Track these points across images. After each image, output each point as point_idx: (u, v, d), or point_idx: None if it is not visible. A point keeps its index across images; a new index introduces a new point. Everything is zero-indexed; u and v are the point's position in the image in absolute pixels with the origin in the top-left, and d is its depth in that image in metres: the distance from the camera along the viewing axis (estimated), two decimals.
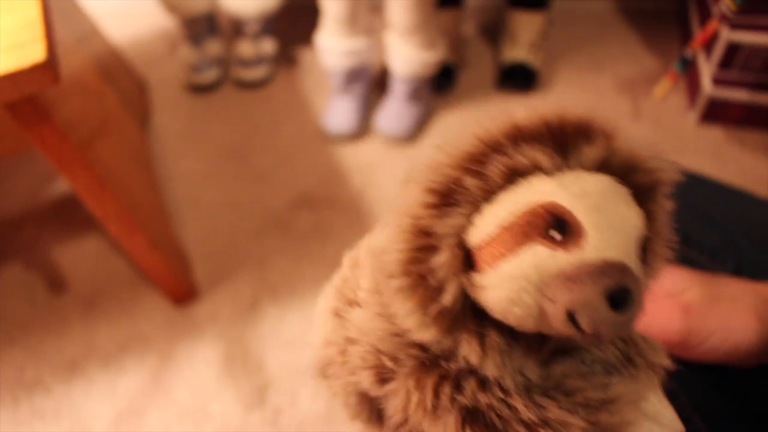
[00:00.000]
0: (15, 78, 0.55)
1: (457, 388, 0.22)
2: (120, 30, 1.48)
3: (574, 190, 0.20)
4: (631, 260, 0.20)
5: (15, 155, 1.13)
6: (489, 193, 0.21)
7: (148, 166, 1.17)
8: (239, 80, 1.38)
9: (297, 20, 1.47)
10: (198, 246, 1.08)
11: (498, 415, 0.22)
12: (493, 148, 0.21)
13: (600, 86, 1.33)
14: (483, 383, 0.22)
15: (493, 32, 1.46)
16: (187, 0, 1.28)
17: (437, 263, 0.21)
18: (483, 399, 0.22)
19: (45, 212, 1.17)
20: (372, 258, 0.26)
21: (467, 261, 0.21)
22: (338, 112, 1.23)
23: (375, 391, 0.25)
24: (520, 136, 0.21)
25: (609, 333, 0.19)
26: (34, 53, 0.56)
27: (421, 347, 0.23)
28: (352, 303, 0.28)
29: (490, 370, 0.22)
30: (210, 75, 1.37)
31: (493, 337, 0.22)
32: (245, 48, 1.35)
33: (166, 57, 1.48)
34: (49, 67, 0.56)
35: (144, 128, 1.29)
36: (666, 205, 0.23)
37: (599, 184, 0.21)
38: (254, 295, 1.00)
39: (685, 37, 1.35)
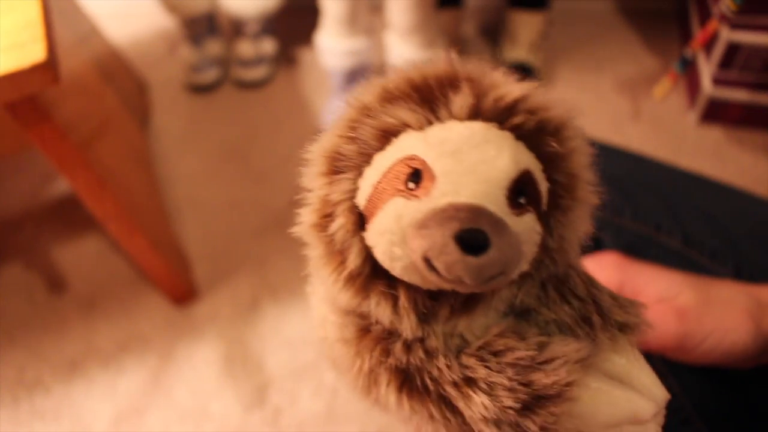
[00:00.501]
0: (15, 78, 0.55)
1: (386, 351, 0.23)
2: (120, 30, 1.48)
3: (432, 140, 0.21)
4: (494, 203, 0.19)
5: (15, 155, 1.13)
6: (367, 156, 0.22)
7: (148, 166, 1.17)
8: (239, 80, 1.38)
9: (297, 20, 1.47)
10: (198, 246, 1.08)
11: (430, 377, 0.22)
12: (364, 113, 0.22)
13: (600, 86, 1.33)
14: (408, 345, 0.23)
15: (493, 32, 1.46)
16: (187, 0, 1.28)
17: (334, 228, 0.22)
18: (410, 360, 0.22)
19: (45, 212, 1.17)
20: None
21: (364, 224, 0.22)
22: (338, 112, 1.22)
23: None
24: (388, 98, 0.22)
25: (470, 277, 0.18)
26: (34, 53, 0.56)
27: (359, 314, 0.24)
28: None
29: (407, 332, 0.22)
30: (210, 75, 1.37)
31: (405, 298, 0.22)
32: (245, 48, 1.35)
33: (166, 57, 1.48)
34: (49, 67, 0.56)
35: (144, 128, 1.29)
36: (575, 146, 0.22)
37: (465, 130, 0.21)
38: (254, 295, 1.00)
39: (685, 37, 1.35)
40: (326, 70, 1.24)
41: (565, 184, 0.22)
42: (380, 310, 0.22)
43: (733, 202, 0.50)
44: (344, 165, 0.22)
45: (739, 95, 1.16)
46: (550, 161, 0.22)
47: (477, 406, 0.21)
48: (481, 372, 0.22)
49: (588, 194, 0.23)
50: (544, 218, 0.22)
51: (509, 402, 0.21)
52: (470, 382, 0.22)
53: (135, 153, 1.08)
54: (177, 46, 1.45)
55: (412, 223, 0.20)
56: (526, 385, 0.21)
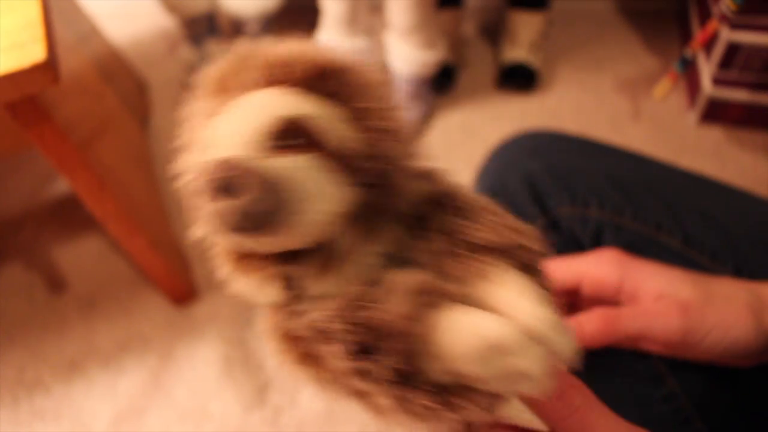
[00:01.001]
0: (15, 78, 0.55)
1: (281, 322, 0.24)
2: (120, 30, 1.48)
3: (217, 118, 0.23)
4: (248, 151, 0.21)
5: (15, 155, 1.13)
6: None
7: (148, 166, 1.17)
8: None
9: (297, 20, 1.47)
10: (198, 246, 1.08)
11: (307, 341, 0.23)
12: (186, 119, 0.25)
13: (600, 86, 1.33)
14: (288, 309, 0.24)
15: (493, 32, 1.46)
16: (187, 0, 1.28)
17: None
18: (290, 327, 0.23)
19: (45, 212, 1.17)
20: None
21: None
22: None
23: None
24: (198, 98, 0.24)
25: (232, 221, 0.20)
26: (34, 53, 0.56)
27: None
28: None
29: (274, 298, 0.23)
30: None
31: (270, 269, 0.23)
32: None
33: (166, 57, 1.48)
34: (49, 67, 0.56)
35: (144, 128, 1.29)
36: (358, 82, 0.23)
37: (239, 100, 0.22)
38: None
39: (685, 37, 1.35)
40: None
41: (360, 119, 0.22)
42: (252, 284, 0.24)
43: (734, 202, 0.50)
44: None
45: (739, 95, 1.16)
46: (339, 101, 0.22)
47: (333, 357, 0.22)
48: (330, 323, 0.22)
49: (388, 123, 0.23)
50: (352, 159, 0.22)
51: (349, 346, 0.21)
52: (324, 334, 0.22)
53: (135, 153, 1.08)
54: (177, 46, 1.45)
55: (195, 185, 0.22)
56: (364, 325, 0.21)
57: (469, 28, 1.49)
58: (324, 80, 0.22)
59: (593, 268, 0.36)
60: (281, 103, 0.22)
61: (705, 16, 1.20)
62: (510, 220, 0.24)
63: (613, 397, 0.45)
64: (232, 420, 0.87)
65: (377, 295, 0.22)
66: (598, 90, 1.32)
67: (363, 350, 0.21)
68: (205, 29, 1.35)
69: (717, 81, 1.15)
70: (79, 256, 1.08)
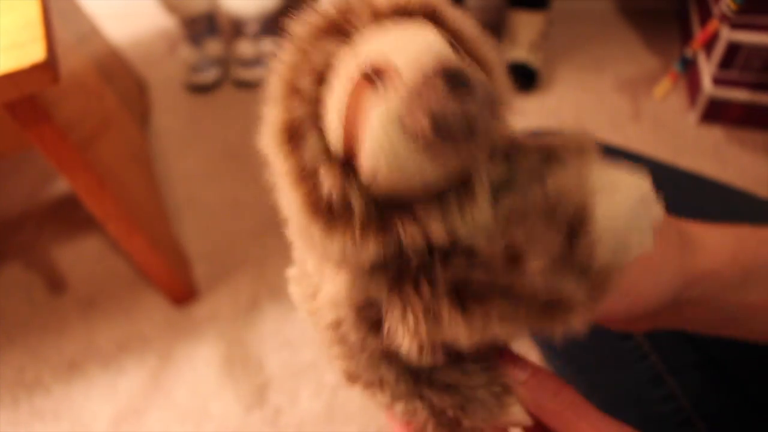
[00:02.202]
0: (15, 78, 0.55)
1: (430, 273, 0.22)
2: (120, 30, 1.48)
3: (373, 44, 0.21)
4: (449, 56, 0.20)
5: (15, 155, 1.13)
6: (319, 106, 0.21)
7: (148, 166, 1.17)
8: (239, 80, 1.38)
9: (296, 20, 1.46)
10: (198, 246, 1.08)
11: (473, 275, 0.22)
12: (293, 67, 0.22)
13: (600, 86, 1.33)
14: (444, 254, 0.22)
15: (493, 32, 1.45)
16: (187, 0, 1.28)
17: (326, 191, 0.21)
18: (455, 268, 0.22)
19: (45, 212, 1.17)
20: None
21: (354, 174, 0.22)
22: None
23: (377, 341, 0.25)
24: (306, 43, 0.22)
25: (480, 106, 0.19)
26: (34, 53, 0.56)
27: (381, 268, 0.23)
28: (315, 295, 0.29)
29: (436, 231, 0.22)
30: (210, 75, 1.37)
31: (421, 210, 0.22)
32: (245, 48, 1.35)
33: (166, 57, 1.48)
34: (48, 67, 0.56)
35: (144, 128, 1.29)
36: (461, 20, 0.23)
37: (392, 32, 0.21)
38: (254, 295, 1.00)
39: (686, 36, 1.35)
40: None
41: (469, 50, 0.22)
42: (409, 233, 0.21)
43: (734, 202, 0.49)
44: (300, 129, 0.22)
45: (739, 95, 1.16)
46: (452, 36, 0.22)
47: (535, 279, 0.22)
48: (518, 233, 0.22)
49: (494, 56, 0.23)
50: None
51: (553, 242, 0.22)
52: (516, 255, 0.22)
53: (135, 153, 1.08)
54: (177, 46, 1.45)
55: (404, 108, 0.19)
56: (554, 217, 0.22)
57: None
58: (436, 16, 0.22)
59: None
60: (434, 33, 0.21)
61: (705, 15, 1.20)
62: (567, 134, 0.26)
63: (613, 397, 0.45)
64: (232, 420, 0.87)
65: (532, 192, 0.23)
66: (598, 90, 1.32)
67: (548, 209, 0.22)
68: (205, 29, 1.35)
69: (717, 81, 1.15)
70: (79, 256, 1.09)
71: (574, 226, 0.22)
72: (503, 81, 0.23)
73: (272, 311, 0.98)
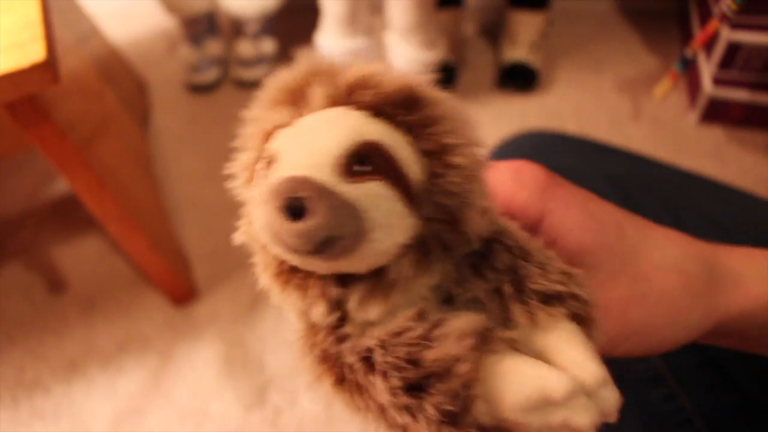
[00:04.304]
0: (15, 78, 0.55)
1: (314, 342, 0.24)
2: (120, 30, 1.48)
3: (286, 133, 0.22)
4: (320, 173, 0.20)
5: (15, 155, 1.13)
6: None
7: (148, 166, 1.17)
8: (239, 80, 1.38)
9: (297, 20, 1.47)
10: (198, 246, 1.08)
11: (347, 365, 0.22)
12: (252, 122, 0.25)
13: (600, 86, 1.33)
14: (329, 333, 0.23)
15: (493, 32, 1.46)
16: (187, 0, 1.28)
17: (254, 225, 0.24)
18: (329, 348, 0.23)
19: (45, 212, 1.17)
20: None
21: None
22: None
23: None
24: (270, 105, 0.24)
25: (296, 241, 0.19)
26: (34, 53, 0.56)
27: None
28: None
29: (319, 318, 0.23)
30: (210, 75, 1.37)
31: (314, 287, 0.22)
32: (245, 48, 1.35)
33: (166, 57, 1.48)
34: (48, 67, 0.56)
35: (144, 128, 1.29)
36: (434, 114, 0.22)
37: (311, 117, 0.22)
38: (254, 295, 1.00)
39: (686, 36, 1.35)
40: None
41: (433, 152, 0.22)
42: (293, 300, 0.23)
43: (734, 203, 0.49)
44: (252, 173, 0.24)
45: (739, 95, 1.16)
46: (413, 132, 0.22)
47: (378, 389, 0.21)
48: (377, 354, 0.21)
49: (462, 159, 0.22)
50: (420, 191, 0.22)
51: (396, 382, 0.21)
52: (370, 365, 0.21)
53: (135, 153, 1.08)
54: (177, 46, 1.45)
55: (257, 209, 0.21)
56: (414, 363, 0.21)
57: (469, 28, 1.49)
58: (399, 107, 0.22)
59: (510, 188, 0.28)
60: (357, 125, 0.21)
61: (705, 15, 1.20)
62: (562, 265, 0.24)
63: None
64: (232, 420, 0.86)
65: (429, 331, 0.21)
66: (598, 90, 1.32)
67: (410, 387, 0.21)
68: (205, 29, 1.35)
69: (717, 81, 1.15)
70: (79, 257, 1.08)
71: (431, 376, 0.21)
72: (472, 182, 0.22)
73: (272, 311, 0.98)
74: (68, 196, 1.17)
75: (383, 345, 0.21)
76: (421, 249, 0.22)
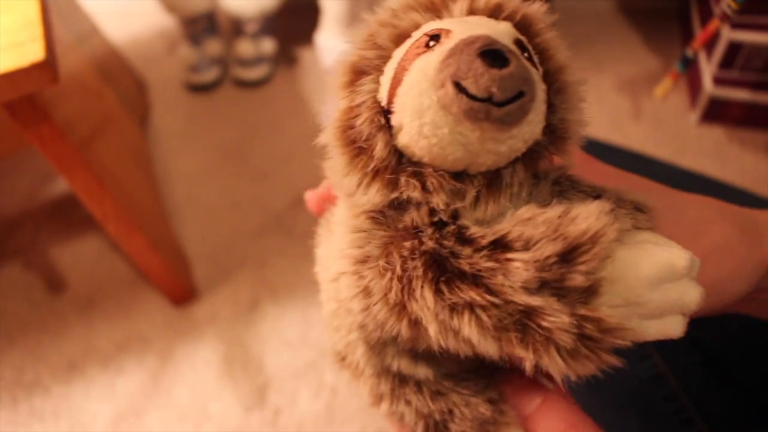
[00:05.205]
0: (14, 77, 0.55)
1: (418, 243, 0.22)
2: (119, 29, 1.48)
3: (449, 21, 0.22)
4: (506, 42, 0.21)
5: (14, 154, 1.13)
6: (386, 59, 0.23)
7: (148, 165, 1.17)
8: (239, 80, 1.38)
9: (297, 20, 1.46)
10: (198, 246, 1.08)
11: (463, 257, 0.21)
12: (380, 25, 0.24)
13: (600, 86, 1.33)
14: (439, 227, 0.22)
15: None
16: (186, 0, 1.28)
17: (359, 123, 0.22)
18: (443, 243, 0.22)
19: (44, 212, 1.17)
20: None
21: (388, 121, 0.23)
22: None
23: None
24: (400, 11, 0.24)
25: (498, 87, 0.19)
26: (33, 52, 0.55)
27: (383, 221, 0.23)
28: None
29: (440, 202, 0.22)
30: (209, 74, 1.37)
31: (432, 177, 0.22)
32: (245, 47, 1.35)
33: (165, 57, 1.48)
34: (48, 67, 0.56)
35: (143, 128, 1.29)
36: (555, 39, 0.24)
37: (470, 17, 0.23)
38: (254, 296, 1.00)
39: (687, 36, 1.35)
40: (326, 69, 1.24)
41: (553, 71, 0.23)
42: (411, 189, 0.22)
43: (735, 202, 0.49)
44: (365, 69, 0.23)
45: (740, 95, 1.16)
46: (538, 52, 0.23)
47: (517, 270, 0.20)
48: (515, 232, 0.21)
49: (575, 80, 0.23)
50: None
51: (548, 250, 0.20)
52: (505, 245, 0.21)
53: (134, 153, 1.08)
54: (176, 45, 1.45)
55: (436, 64, 0.20)
56: (560, 236, 0.21)
57: None
58: (528, 29, 0.23)
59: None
60: (511, 28, 0.22)
61: (706, 15, 1.20)
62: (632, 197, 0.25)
63: (614, 396, 0.45)
64: (232, 420, 0.86)
65: (565, 213, 0.21)
66: (598, 89, 1.32)
67: (561, 257, 0.21)
68: (204, 29, 1.35)
69: (718, 80, 1.15)
70: (78, 257, 1.08)
71: (578, 248, 0.21)
72: (576, 113, 0.23)
73: (272, 311, 0.98)
74: (67, 196, 1.17)
75: (517, 225, 0.21)
76: (531, 157, 0.23)
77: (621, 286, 0.21)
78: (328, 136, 0.23)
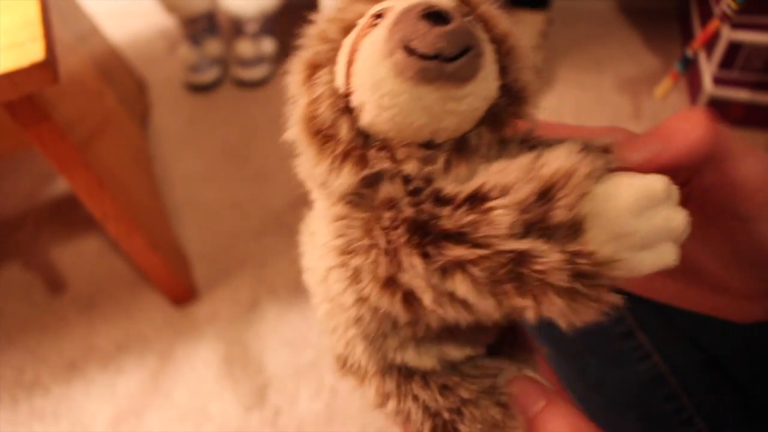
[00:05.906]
0: (14, 77, 0.55)
1: (397, 213, 0.22)
2: (120, 29, 1.47)
3: (389, 1, 0.23)
4: (447, 5, 0.21)
5: (14, 154, 1.13)
6: (338, 49, 0.24)
7: (148, 165, 1.17)
8: (239, 80, 1.38)
9: (297, 20, 1.46)
10: (198, 246, 1.08)
11: (443, 216, 0.21)
12: (329, 20, 0.25)
13: (601, 86, 1.33)
14: (415, 195, 0.22)
15: None
16: None
17: (321, 111, 0.23)
18: (422, 208, 0.22)
19: (44, 212, 1.17)
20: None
21: (350, 105, 0.23)
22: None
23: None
24: (345, 5, 0.25)
25: (448, 42, 0.19)
26: (33, 52, 0.55)
27: (360, 203, 0.23)
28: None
29: (413, 169, 0.22)
30: (209, 75, 1.37)
31: (401, 149, 0.22)
32: (245, 47, 1.35)
33: (165, 57, 1.48)
34: (48, 67, 0.56)
35: (143, 128, 1.29)
36: (488, 8, 0.24)
37: None
38: (254, 295, 1.00)
39: (687, 36, 1.35)
40: None
41: (498, 37, 0.23)
42: (381, 162, 0.22)
43: None
44: (320, 62, 0.24)
45: (740, 95, 1.16)
46: (481, 21, 0.23)
47: (499, 217, 0.20)
48: (490, 182, 0.21)
49: (522, 44, 0.24)
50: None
51: (526, 190, 0.20)
52: (483, 196, 0.21)
53: (134, 153, 1.08)
54: (177, 45, 1.45)
55: (383, 35, 0.21)
56: (534, 177, 0.21)
57: None
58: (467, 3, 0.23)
59: (678, 126, 0.27)
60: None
61: (706, 15, 1.20)
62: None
63: (614, 396, 0.45)
64: (232, 420, 0.86)
65: (536, 159, 0.22)
66: (598, 89, 1.32)
67: (539, 196, 0.21)
68: (204, 29, 1.35)
69: (718, 80, 1.15)
70: (78, 256, 1.08)
71: (554, 185, 0.21)
72: (528, 74, 0.24)
73: (272, 311, 0.98)
74: (67, 196, 1.17)
75: (491, 174, 0.22)
76: (494, 120, 0.23)
77: (604, 219, 0.21)
78: (294, 132, 0.24)
